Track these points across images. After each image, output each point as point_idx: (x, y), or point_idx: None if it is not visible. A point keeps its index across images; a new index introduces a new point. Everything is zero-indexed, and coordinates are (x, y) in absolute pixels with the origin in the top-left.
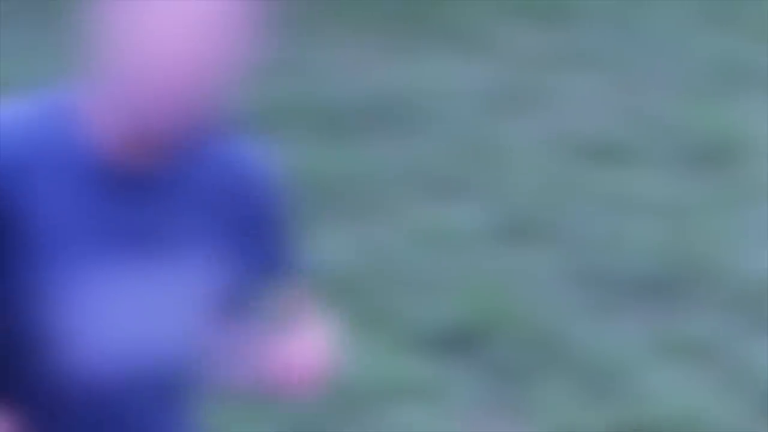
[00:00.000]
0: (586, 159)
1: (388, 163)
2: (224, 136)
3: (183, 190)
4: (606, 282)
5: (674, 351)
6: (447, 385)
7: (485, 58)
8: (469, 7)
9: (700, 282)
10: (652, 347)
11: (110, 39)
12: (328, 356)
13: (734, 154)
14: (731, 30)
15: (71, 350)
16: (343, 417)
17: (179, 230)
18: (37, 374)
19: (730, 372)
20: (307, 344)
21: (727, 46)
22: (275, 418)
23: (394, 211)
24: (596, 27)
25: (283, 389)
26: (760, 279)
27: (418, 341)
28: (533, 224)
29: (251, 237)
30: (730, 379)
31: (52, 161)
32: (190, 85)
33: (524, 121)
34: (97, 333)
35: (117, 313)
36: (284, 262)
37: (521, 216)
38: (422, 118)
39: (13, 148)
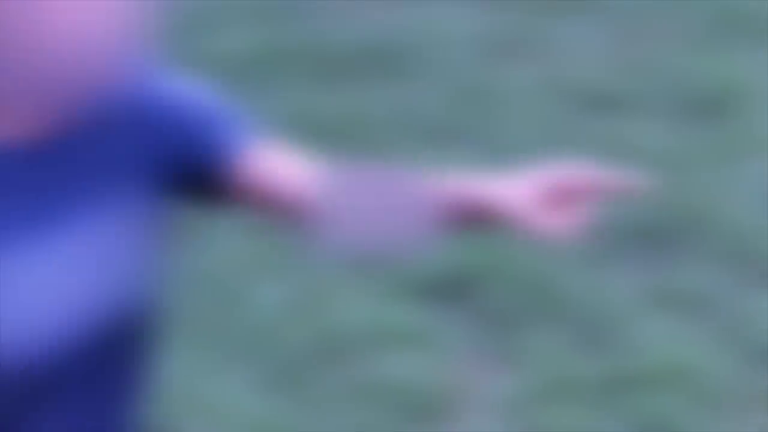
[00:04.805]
0: (584, 107)
1: (383, 108)
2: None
3: (92, 149)
4: (601, 231)
5: (668, 302)
6: (437, 333)
7: (483, 3)
8: None
9: (696, 233)
10: (647, 298)
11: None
12: None
13: (733, 105)
14: None
15: None
16: (332, 363)
17: (85, 189)
18: None
19: (724, 324)
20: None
21: None
22: (259, 365)
23: (388, 157)
24: None
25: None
26: (756, 231)
27: (409, 288)
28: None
29: (185, 139)
30: (724, 331)
31: None
32: (84, 51)
33: (522, 68)
34: (9, 308)
35: (25, 286)
36: (228, 128)
37: (517, 163)
38: (418, 63)
39: None
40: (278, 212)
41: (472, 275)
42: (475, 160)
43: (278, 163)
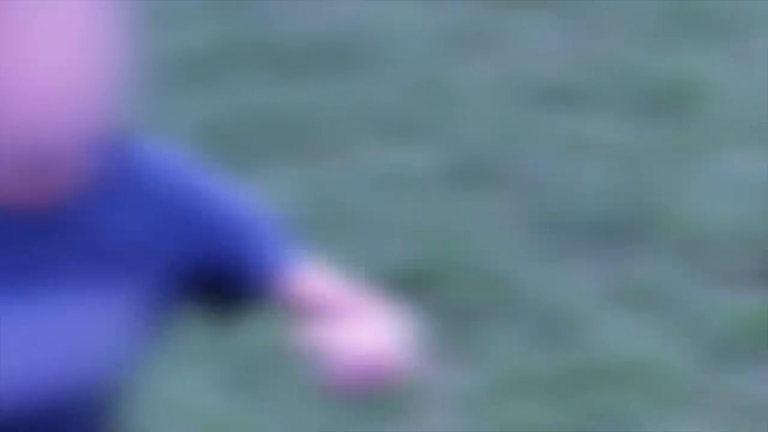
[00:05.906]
0: (541, 102)
1: (340, 103)
2: (129, 157)
3: (91, 221)
4: (558, 227)
5: (626, 298)
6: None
7: None
8: None
9: (653, 228)
10: (604, 293)
11: None
12: (400, 350)
13: (689, 101)
14: None
15: None
16: (292, 361)
17: (82, 263)
18: None
19: (681, 320)
20: (374, 333)
21: None
22: (219, 362)
23: (345, 153)
24: None
25: (348, 386)
26: (712, 227)
27: (368, 284)
28: (486, 167)
29: (210, 243)
30: (681, 327)
31: None
32: (68, 104)
33: (478, 63)
34: None
35: (8, 349)
36: (265, 258)
37: (474, 159)
38: (375, 58)
39: None
40: (308, 322)
41: (430, 271)
42: (432, 155)
43: (311, 285)
